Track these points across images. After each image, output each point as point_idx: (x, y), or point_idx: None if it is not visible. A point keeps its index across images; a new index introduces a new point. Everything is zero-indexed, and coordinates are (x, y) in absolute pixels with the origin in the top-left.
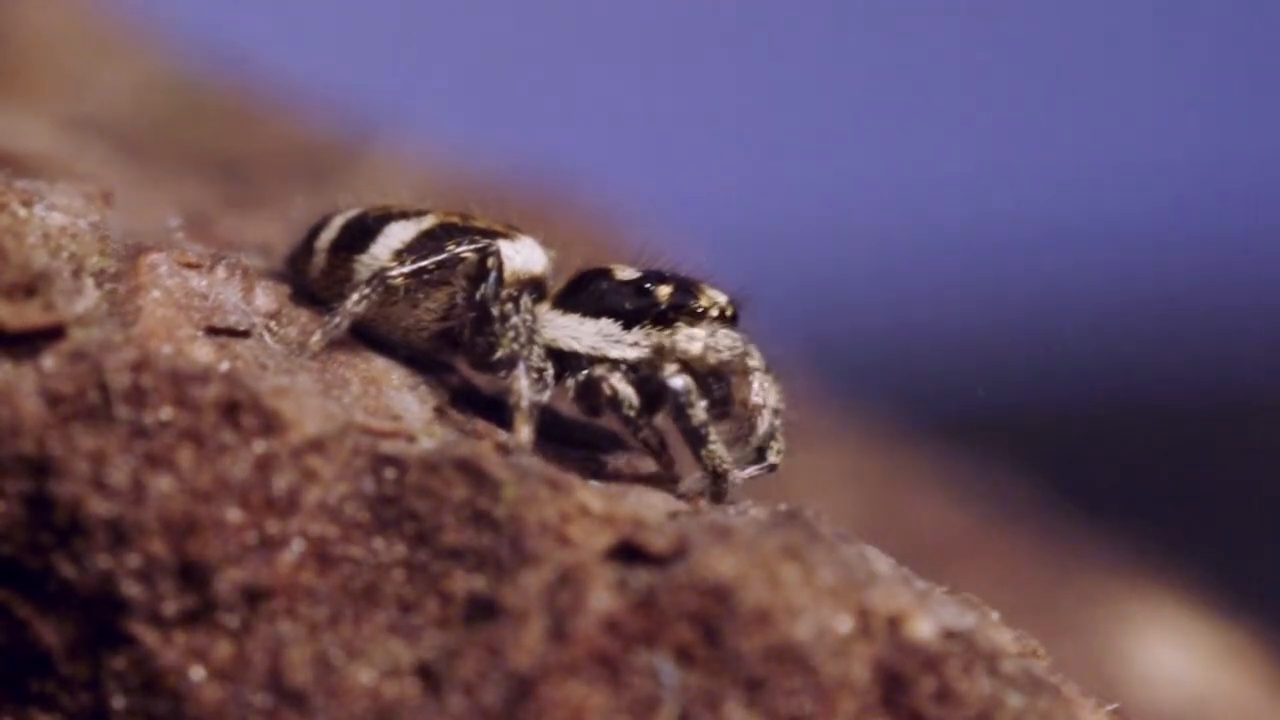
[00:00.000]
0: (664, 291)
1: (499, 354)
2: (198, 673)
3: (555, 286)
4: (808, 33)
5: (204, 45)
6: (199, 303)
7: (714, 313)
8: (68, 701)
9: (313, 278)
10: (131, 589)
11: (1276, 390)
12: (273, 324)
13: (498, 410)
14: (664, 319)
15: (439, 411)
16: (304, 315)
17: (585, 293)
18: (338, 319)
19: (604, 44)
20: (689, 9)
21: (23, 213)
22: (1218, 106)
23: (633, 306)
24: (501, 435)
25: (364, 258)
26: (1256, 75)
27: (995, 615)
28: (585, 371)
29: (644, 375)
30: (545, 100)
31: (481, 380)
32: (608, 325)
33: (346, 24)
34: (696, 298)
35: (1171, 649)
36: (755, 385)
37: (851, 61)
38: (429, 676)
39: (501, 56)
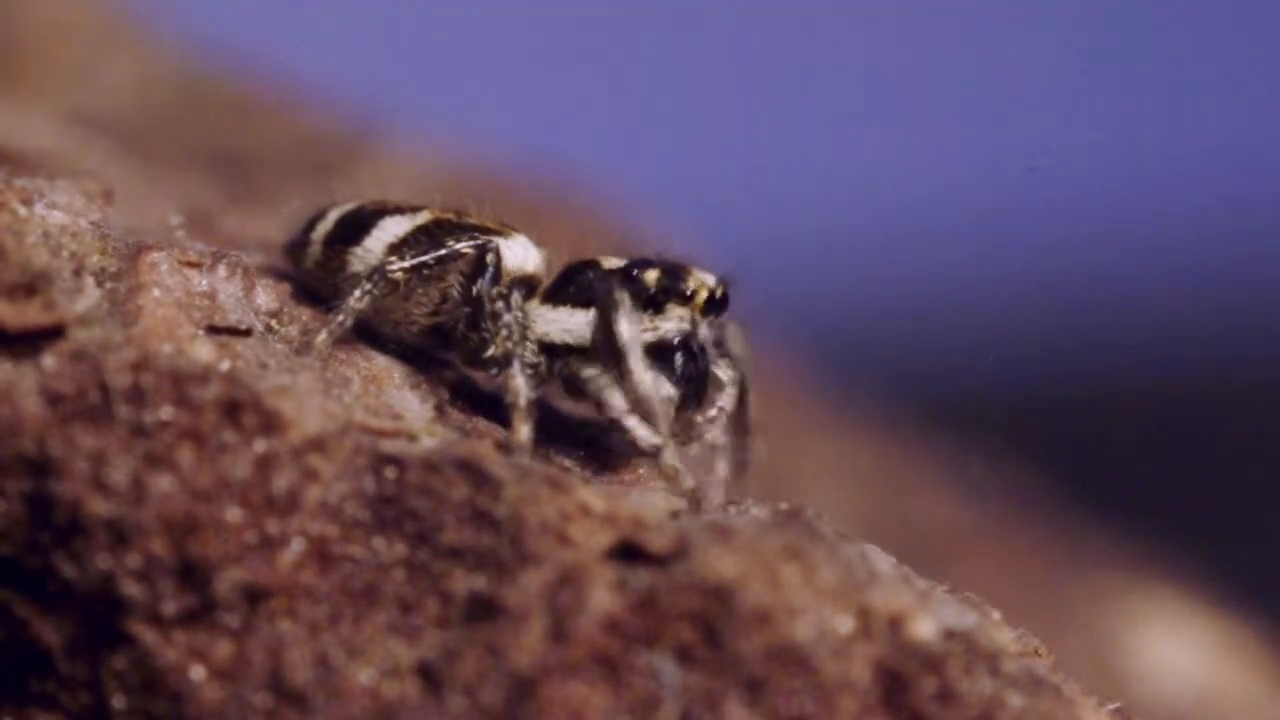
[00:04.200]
0: (651, 276)
1: (491, 351)
2: (198, 672)
3: (546, 283)
4: (805, 30)
5: (206, 40)
6: (200, 301)
7: (703, 294)
8: (68, 701)
9: (308, 268)
10: (131, 588)
11: None
12: (274, 323)
13: (498, 408)
14: (654, 303)
15: (440, 410)
16: (305, 313)
17: (573, 285)
18: (342, 317)
19: (604, 40)
20: (686, 4)
21: (23, 211)
22: (1219, 98)
23: None
24: (502, 434)
25: (357, 250)
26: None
27: (996, 614)
28: (586, 372)
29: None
30: (546, 96)
31: (479, 378)
32: (597, 314)
33: (349, 19)
34: (685, 280)
35: (1175, 644)
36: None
37: (845, 55)
38: (429, 676)
39: (503, 52)
